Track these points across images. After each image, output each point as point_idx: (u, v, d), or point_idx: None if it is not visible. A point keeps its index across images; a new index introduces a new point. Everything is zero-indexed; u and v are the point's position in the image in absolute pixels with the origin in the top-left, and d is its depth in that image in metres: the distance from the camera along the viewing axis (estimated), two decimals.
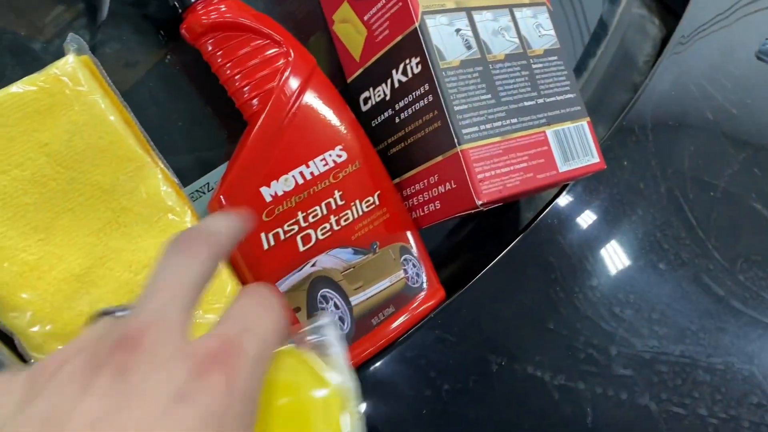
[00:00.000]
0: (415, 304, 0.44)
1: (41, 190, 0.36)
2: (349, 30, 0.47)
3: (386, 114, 0.46)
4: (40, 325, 0.35)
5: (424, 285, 0.44)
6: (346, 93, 0.47)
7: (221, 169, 0.43)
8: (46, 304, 0.35)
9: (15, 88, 0.36)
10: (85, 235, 0.37)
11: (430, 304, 0.44)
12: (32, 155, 0.36)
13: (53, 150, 0.36)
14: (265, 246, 0.40)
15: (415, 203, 0.45)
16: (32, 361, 0.36)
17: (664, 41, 0.69)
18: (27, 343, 0.36)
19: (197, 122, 0.45)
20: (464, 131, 0.41)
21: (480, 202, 0.40)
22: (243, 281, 0.41)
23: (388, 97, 0.45)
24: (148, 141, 0.39)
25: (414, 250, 0.45)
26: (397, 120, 0.45)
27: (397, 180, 0.46)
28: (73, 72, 0.37)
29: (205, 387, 0.21)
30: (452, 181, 0.42)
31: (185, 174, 0.43)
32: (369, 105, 0.47)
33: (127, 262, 0.37)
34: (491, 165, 0.41)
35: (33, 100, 0.36)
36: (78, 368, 0.21)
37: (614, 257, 0.50)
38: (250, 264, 0.40)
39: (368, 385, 0.42)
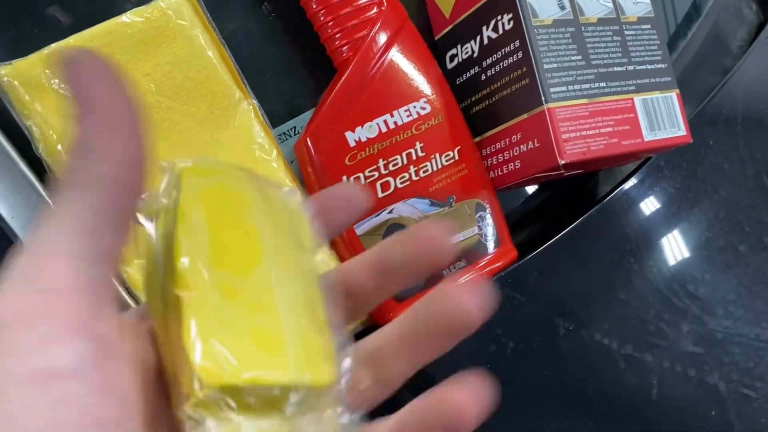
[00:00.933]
0: (486, 261, 0.44)
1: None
2: None
3: (472, 71, 0.46)
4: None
5: (497, 243, 0.45)
6: (433, 50, 0.48)
7: (308, 114, 0.44)
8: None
9: (125, 17, 0.38)
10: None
11: (501, 262, 0.44)
12: (138, 84, 0.38)
13: (155, 80, 0.38)
14: None
15: (495, 162, 0.45)
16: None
17: (760, 26, 0.67)
18: None
19: (290, 69, 0.46)
20: (552, 90, 0.41)
21: (563, 162, 0.40)
22: None
23: (475, 54, 0.45)
24: (243, 80, 0.41)
25: (489, 208, 0.45)
26: (483, 77, 0.45)
27: (478, 138, 0.46)
28: (177, 7, 0.38)
29: None
30: (536, 140, 0.42)
31: (274, 117, 0.44)
32: (455, 62, 0.47)
33: None
34: (577, 126, 0.41)
35: (139, 31, 0.38)
36: None
37: (692, 235, 0.49)
38: None
39: None
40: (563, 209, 0.51)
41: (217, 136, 0.39)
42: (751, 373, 0.45)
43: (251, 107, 0.40)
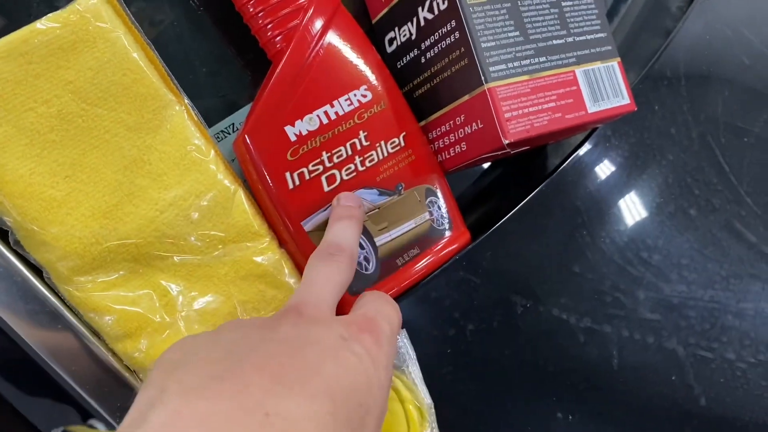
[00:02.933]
0: (440, 246, 0.44)
1: (67, 127, 0.36)
2: None
3: (412, 54, 0.45)
4: (68, 259, 0.36)
5: (450, 227, 0.44)
6: (371, 34, 0.46)
7: (246, 109, 0.43)
8: (74, 239, 0.36)
9: (39, 24, 0.36)
10: (112, 173, 0.37)
11: (455, 246, 0.44)
12: (58, 92, 0.36)
13: (78, 87, 0.36)
14: (290, 185, 0.40)
15: (442, 145, 0.45)
16: (63, 294, 0.37)
17: None
18: (56, 277, 0.36)
19: (223, 63, 0.44)
20: (491, 69, 0.40)
21: (507, 142, 0.40)
22: (269, 220, 0.41)
23: (413, 37, 0.44)
24: (173, 80, 0.39)
25: (440, 192, 0.44)
26: (422, 60, 0.44)
27: (423, 122, 0.45)
28: (96, 9, 0.36)
29: (360, 339, 0.28)
30: (479, 121, 0.41)
31: (211, 115, 0.43)
32: (394, 46, 0.46)
33: (153, 199, 0.37)
34: (519, 104, 0.41)
35: (57, 37, 0.36)
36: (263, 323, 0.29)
37: (643, 202, 0.49)
38: (276, 203, 0.40)
39: None
40: (515, 186, 0.51)
41: (149, 142, 0.38)
42: (708, 335, 0.45)
43: (183, 108, 0.38)
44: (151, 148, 0.37)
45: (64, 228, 0.36)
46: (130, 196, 0.37)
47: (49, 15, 0.36)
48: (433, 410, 0.35)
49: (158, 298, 0.38)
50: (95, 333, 0.38)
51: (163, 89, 0.38)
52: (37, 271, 0.37)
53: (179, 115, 0.38)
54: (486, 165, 0.51)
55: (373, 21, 0.47)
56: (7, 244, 0.36)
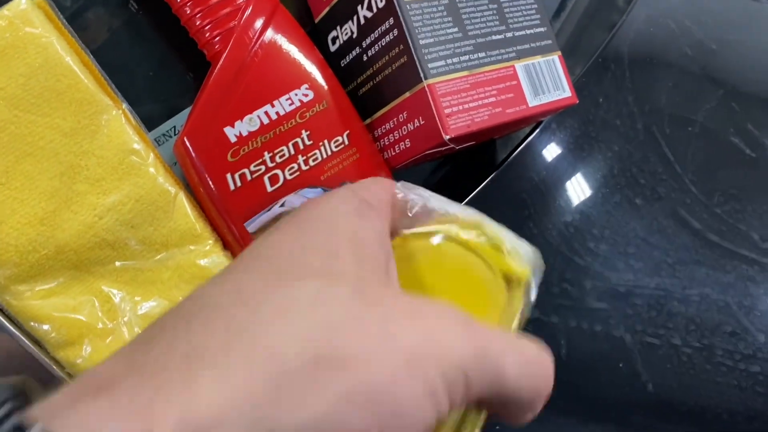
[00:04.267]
0: None
1: (0, 135, 0.35)
2: None
3: (354, 53, 0.45)
4: (4, 268, 0.35)
5: None
6: (314, 34, 0.46)
7: (187, 112, 0.43)
8: (10, 247, 0.35)
9: None
10: (48, 179, 0.37)
11: None
12: None
13: (9, 94, 0.36)
14: (232, 187, 0.40)
15: (387, 143, 0.45)
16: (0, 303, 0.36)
17: None
18: None
19: (163, 67, 0.44)
20: (430, 65, 0.41)
21: (448, 137, 0.40)
22: (213, 223, 0.41)
23: (355, 35, 0.44)
24: (110, 84, 0.39)
25: None
26: (365, 58, 0.44)
27: (368, 120, 0.46)
28: (24, 14, 0.36)
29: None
30: (420, 118, 0.41)
31: (153, 120, 0.42)
32: (337, 44, 0.46)
33: (92, 205, 0.37)
34: (459, 99, 0.41)
35: None
36: None
37: (589, 193, 0.50)
38: (218, 205, 0.40)
39: None
40: (464, 181, 0.51)
41: (86, 147, 0.37)
42: (654, 322, 0.46)
43: (121, 112, 0.38)
44: (89, 153, 0.37)
45: (2, 237, 0.35)
46: (68, 202, 0.37)
47: None
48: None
49: (100, 304, 0.37)
50: (36, 341, 0.37)
51: (99, 94, 0.37)
52: None
53: (116, 119, 0.38)
54: (436, 161, 0.52)
55: (316, 20, 0.47)
56: None
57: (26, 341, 0.36)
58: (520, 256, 0.27)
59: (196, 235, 0.39)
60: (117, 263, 0.37)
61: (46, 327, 0.36)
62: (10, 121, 0.36)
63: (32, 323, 0.36)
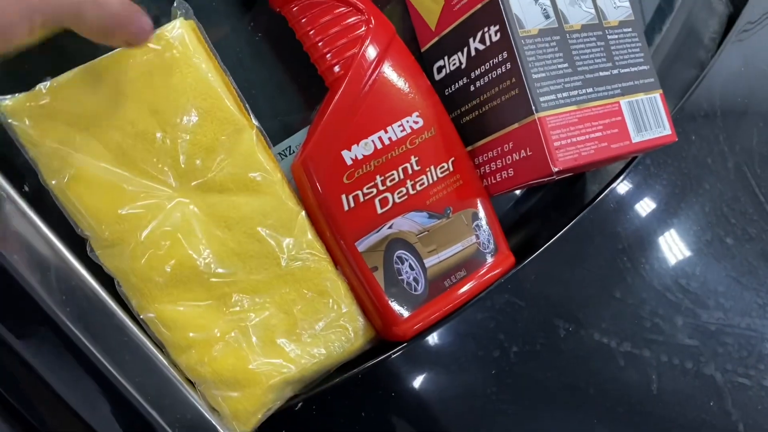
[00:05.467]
0: (485, 269, 0.45)
1: (148, 147, 0.37)
2: None
3: (461, 82, 0.47)
4: (142, 270, 0.37)
5: (495, 251, 0.46)
6: (420, 61, 0.48)
7: (302, 133, 0.45)
8: (149, 252, 0.38)
9: (129, 49, 0.37)
10: (185, 192, 0.39)
11: (500, 269, 0.45)
12: (142, 114, 0.38)
13: (161, 109, 0.38)
14: (346, 207, 0.42)
15: (488, 171, 0.46)
16: (132, 305, 0.38)
17: (731, 18, 0.68)
18: (127, 287, 0.38)
19: (279, 87, 0.46)
20: (542, 99, 0.42)
21: (556, 170, 0.41)
22: (324, 241, 0.42)
23: (463, 66, 0.46)
24: (245, 105, 0.41)
25: (485, 216, 0.46)
26: (472, 88, 0.46)
27: (470, 147, 0.47)
28: (180, 36, 0.38)
29: None
30: (528, 149, 0.42)
31: (268, 136, 0.44)
32: (443, 73, 0.48)
33: (222, 217, 0.39)
34: (567, 133, 0.42)
35: (145, 61, 0.38)
36: None
37: (681, 230, 0.50)
38: (331, 224, 0.42)
39: (440, 345, 0.43)
40: (554, 210, 0.52)
41: (222, 164, 0.39)
42: (745, 362, 0.46)
43: (255, 132, 0.40)
44: (224, 170, 0.39)
45: (140, 240, 0.38)
46: (201, 213, 0.39)
47: None
48: None
49: (223, 312, 0.39)
50: (158, 345, 0.39)
51: (238, 115, 0.39)
52: (106, 285, 0.38)
53: (250, 139, 0.40)
54: (526, 188, 0.53)
55: (423, 49, 0.49)
56: (80, 257, 0.38)
57: (150, 345, 0.38)
58: None
59: (314, 254, 0.41)
60: (241, 274, 0.39)
61: (174, 330, 0.38)
62: (157, 137, 0.38)
63: (160, 326, 0.38)
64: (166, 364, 0.39)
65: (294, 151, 0.45)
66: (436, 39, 0.48)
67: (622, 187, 0.50)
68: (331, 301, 0.41)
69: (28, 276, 0.36)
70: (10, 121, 0.36)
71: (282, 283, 0.40)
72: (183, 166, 0.38)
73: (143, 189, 0.38)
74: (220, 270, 0.39)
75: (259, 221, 0.39)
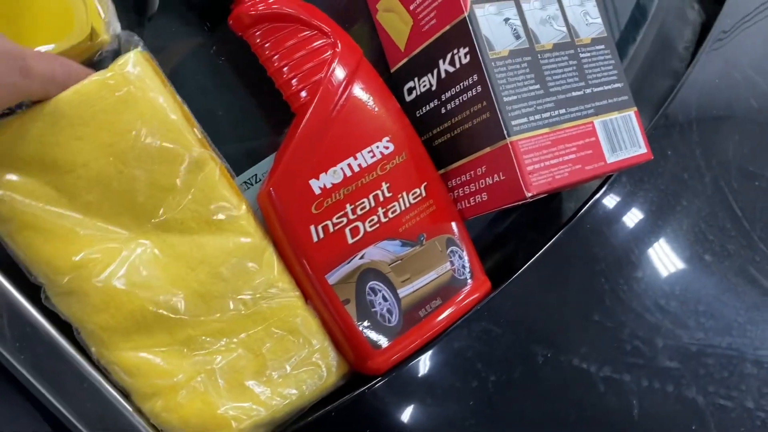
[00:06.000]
0: (461, 296, 0.44)
1: (104, 189, 0.36)
2: (394, 19, 0.46)
3: (431, 104, 0.45)
4: (100, 316, 0.36)
5: (470, 277, 0.44)
6: (389, 83, 0.47)
7: (268, 160, 0.43)
8: (108, 297, 0.36)
9: (81, 86, 0.36)
10: (144, 233, 0.37)
11: (476, 296, 0.44)
12: (97, 155, 0.36)
13: (117, 150, 0.36)
14: (315, 238, 0.40)
15: (461, 194, 0.45)
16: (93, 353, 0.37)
17: (704, 26, 0.68)
18: (86, 334, 0.36)
19: (243, 112, 0.45)
20: (513, 122, 0.41)
21: (530, 194, 0.40)
22: (293, 273, 0.41)
23: (434, 88, 0.45)
24: (206, 138, 0.39)
25: (460, 241, 0.45)
26: (443, 110, 0.45)
27: (442, 171, 0.46)
28: (135, 71, 0.36)
29: None
30: (501, 173, 0.41)
31: (232, 164, 0.43)
32: (413, 95, 0.47)
33: (184, 257, 0.37)
34: (540, 156, 0.41)
35: (99, 98, 0.36)
36: None
37: (659, 249, 0.49)
38: (300, 256, 0.40)
39: (416, 376, 0.42)
40: (531, 231, 0.51)
41: (182, 202, 0.37)
42: (727, 383, 0.45)
43: (217, 166, 0.38)
44: (185, 208, 0.37)
45: (97, 286, 0.36)
46: (163, 255, 0.37)
47: (92, 76, 0.36)
48: None
49: (188, 356, 0.37)
50: (122, 392, 0.37)
51: (198, 149, 0.38)
52: (64, 330, 0.37)
53: (212, 174, 0.38)
54: (499, 210, 0.52)
55: (392, 70, 0.48)
56: (34, 302, 0.36)
57: (113, 391, 0.37)
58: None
59: (283, 290, 0.39)
60: (205, 315, 0.38)
61: (136, 377, 0.36)
62: (114, 177, 0.36)
63: (121, 373, 0.36)
64: (131, 410, 0.37)
65: (260, 179, 0.43)
66: (405, 60, 0.47)
67: (599, 206, 0.49)
68: (301, 338, 0.39)
69: None
70: None
71: (249, 322, 0.39)
72: (141, 206, 0.37)
73: (99, 232, 0.36)
74: (183, 313, 0.37)
75: (224, 260, 0.38)
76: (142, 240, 0.37)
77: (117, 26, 0.38)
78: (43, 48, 0.35)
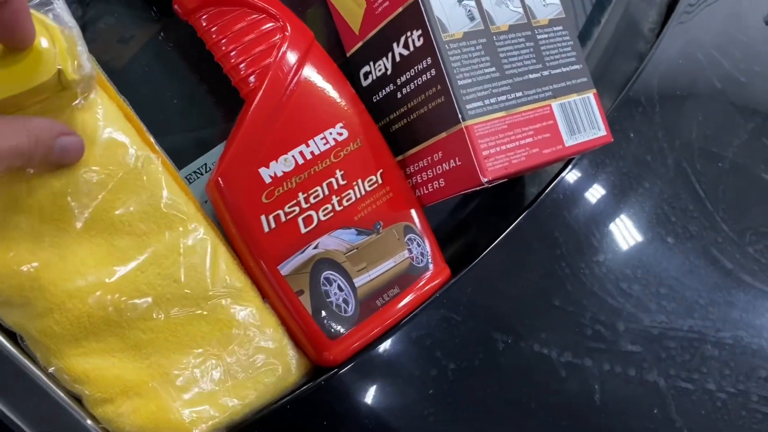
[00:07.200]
0: (420, 284, 0.43)
1: (46, 193, 0.34)
2: (347, 2, 0.45)
3: (388, 89, 0.44)
4: (45, 325, 0.35)
5: (430, 264, 0.44)
6: (346, 67, 0.46)
7: (218, 149, 0.42)
8: (53, 306, 0.35)
9: None
10: (90, 237, 0.36)
11: (435, 283, 0.43)
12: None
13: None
14: (266, 228, 0.39)
15: (419, 181, 0.44)
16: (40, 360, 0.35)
17: (670, 7, 0.67)
18: (32, 342, 0.35)
19: (193, 100, 0.43)
20: (468, 106, 0.40)
21: (485, 180, 0.39)
22: (244, 264, 0.40)
23: (389, 72, 0.44)
24: (147, 132, 0.38)
25: (418, 228, 0.44)
26: (399, 95, 0.44)
27: (400, 157, 0.45)
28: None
29: None
30: (457, 159, 0.41)
31: (182, 153, 0.42)
32: (370, 80, 0.46)
33: (132, 259, 0.36)
34: (496, 141, 0.40)
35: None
36: None
37: (621, 231, 0.49)
38: (252, 247, 0.39)
39: (374, 366, 0.41)
40: (492, 216, 0.50)
41: (128, 203, 0.36)
42: (688, 366, 0.45)
43: (159, 161, 0.37)
44: (130, 209, 0.36)
45: (43, 294, 0.34)
46: (109, 257, 0.36)
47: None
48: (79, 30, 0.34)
49: (140, 360, 0.36)
50: (76, 398, 0.36)
51: (140, 146, 0.36)
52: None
53: (155, 171, 0.37)
54: (461, 195, 0.51)
55: (348, 54, 0.47)
56: None
57: (66, 399, 0.36)
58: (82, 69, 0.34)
59: (236, 289, 0.38)
60: (157, 317, 0.36)
61: (87, 384, 0.35)
62: (52, 175, 0.35)
63: (71, 380, 0.35)
64: (83, 415, 0.36)
65: (210, 169, 0.42)
66: (360, 44, 0.45)
67: (559, 190, 0.48)
68: (258, 338, 0.38)
69: None
70: None
71: (203, 323, 0.37)
72: (87, 209, 0.35)
73: (40, 237, 0.34)
74: (133, 316, 0.36)
75: (174, 260, 0.36)
76: (88, 244, 0.35)
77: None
78: None
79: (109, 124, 0.36)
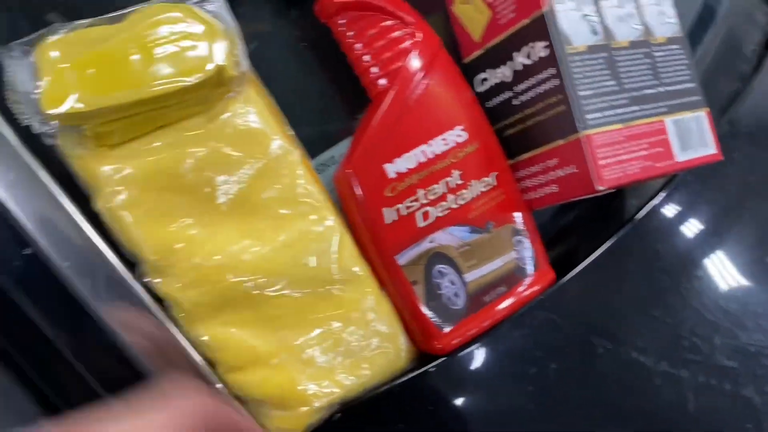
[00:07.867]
0: (525, 285, 0.45)
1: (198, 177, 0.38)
2: (470, 11, 0.47)
3: (504, 96, 0.46)
4: (190, 294, 0.38)
5: (535, 267, 0.45)
6: (462, 71, 0.48)
7: (345, 143, 0.45)
8: (200, 276, 0.38)
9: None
10: (235, 219, 0.39)
11: (539, 286, 0.45)
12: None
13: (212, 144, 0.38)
14: (387, 220, 0.42)
15: (530, 185, 0.46)
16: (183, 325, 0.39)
17: None
18: (178, 310, 0.39)
19: (322, 96, 0.46)
20: (588, 117, 0.42)
21: (601, 188, 0.41)
22: (365, 254, 0.43)
23: (508, 80, 0.46)
24: (287, 127, 0.41)
25: (526, 231, 0.46)
26: (515, 102, 0.46)
27: (512, 161, 0.47)
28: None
29: None
30: (573, 166, 0.42)
31: (307, 146, 0.44)
32: (486, 86, 0.48)
33: (270, 240, 0.39)
34: (613, 151, 0.42)
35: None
36: None
37: (722, 250, 0.50)
38: (373, 237, 0.42)
39: (477, 358, 0.43)
40: (594, 224, 0.52)
41: (269, 188, 0.40)
42: None
43: (298, 154, 0.40)
44: (270, 194, 0.39)
45: (189, 266, 0.38)
46: (251, 237, 0.39)
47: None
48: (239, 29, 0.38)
49: (270, 334, 0.39)
50: (211, 363, 0.39)
51: (282, 139, 0.40)
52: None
53: (296, 162, 0.40)
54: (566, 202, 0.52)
55: (465, 60, 0.49)
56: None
57: (201, 362, 0.39)
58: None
59: (358, 275, 0.41)
60: (287, 296, 0.39)
61: (221, 353, 0.38)
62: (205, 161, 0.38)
63: (211, 348, 0.39)
64: (217, 381, 0.39)
65: (336, 161, 0.45)
66: (480, 51, 0.47)
67: (663, 204, 0.49)
68: (376, 321, 0.41)
69: (77, 283, 0.37)
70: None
71: (328, 304, 0.40)
72: (234, 192, 0.38)
73: (194, 216, 0.38)
74: (268, 292, 0.39)
75: (306, 244, 0.40)
76: (232, 224, 0.39)
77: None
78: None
79: (257, 116, 0.39)
